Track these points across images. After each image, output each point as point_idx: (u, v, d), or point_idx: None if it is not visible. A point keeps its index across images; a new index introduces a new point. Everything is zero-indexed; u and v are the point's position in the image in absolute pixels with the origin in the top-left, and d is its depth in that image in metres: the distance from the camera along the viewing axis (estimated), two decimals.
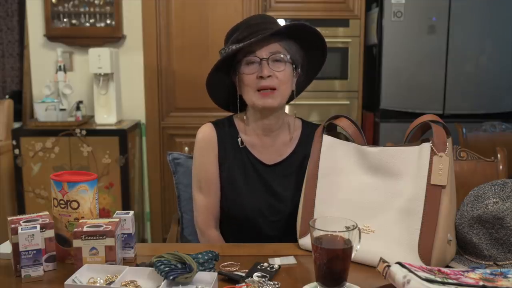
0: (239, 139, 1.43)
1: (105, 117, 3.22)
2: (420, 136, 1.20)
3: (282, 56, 1.33)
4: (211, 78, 1.40)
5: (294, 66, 1.37)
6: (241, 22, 1.39)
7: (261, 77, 1.32)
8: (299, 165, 1.41)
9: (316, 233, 0.96)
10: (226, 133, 1.44)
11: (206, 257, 1.05)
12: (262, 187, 1.41)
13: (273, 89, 1.33)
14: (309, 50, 1.41)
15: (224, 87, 1.44)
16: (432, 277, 0.89)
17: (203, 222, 1.46)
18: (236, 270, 1.08)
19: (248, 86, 1.35)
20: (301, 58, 1.41)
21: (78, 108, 3.21)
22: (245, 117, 1.44)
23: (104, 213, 2.98)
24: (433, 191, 1.08)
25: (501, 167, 1.60)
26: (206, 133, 1.45)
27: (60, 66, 3.23)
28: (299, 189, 1.29)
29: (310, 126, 1.48)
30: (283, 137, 1.44)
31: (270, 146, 1.43)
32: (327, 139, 1.25)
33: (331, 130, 1.28)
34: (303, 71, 1.44)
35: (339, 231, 0.96)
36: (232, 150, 1.43)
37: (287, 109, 1.50)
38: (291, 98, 1.43)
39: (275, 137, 1.44)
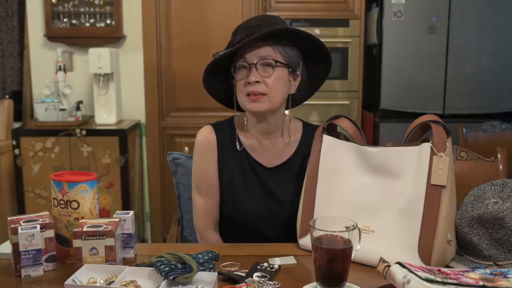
0: (237, 142, 1.43)
1: (105, 117, 3.22)
2: (420, 136, 1.19)
3: (271, 60, 1.30)
4: (208, 79, 1.39)
5: (290, 69, 1.34)
6: (241, 24, 1.38)
7: (249, 83, 1.31)
8: (299, 167, 1.40)
9: (316, 233, 0.97)
10: (226, 135, 1.44)
11: (206, 257, 1.05)
12: (262, 190, 1.41)
13: (263, 94, 1.31)
14: (310, 55, 1.39)
15: (225, 87, 1.43)
16: (432, 277, 0.89)
17: (203, 225, 1.45)
18: (236, 270, 1.08)
19: (239, 91, 1.35)
20: (301, 62, 1.38)
21: (78, 108, 3.21)
22: (245, 119, 1.43)
23: (104, 213, 2.98)
24: (433, 191, 1.08)
25: (501, 167, 1.60)
26: (206, 136, 1.44)
27: (60, 66, 3.23)
28: (299, 192, 1.28)
29: (310, 128, 1.46)
30: (283, 140, 1.43)
31: (270, 149, 1.43)
32: (327, 139, 1.25)
33: (331, 130, 1.28)
34: (306, 79, 1.42)
35: (339, 231, 0.96)
36: (232, 153, 1.43)
37: (289, 111, 1.49)
38: (294, 103, 1.42)
39: (274, 140, 1.43)
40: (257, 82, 1.30)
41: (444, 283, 0.87)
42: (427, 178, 1.09)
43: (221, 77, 1.41)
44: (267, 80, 1.31)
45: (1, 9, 3.63)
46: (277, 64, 1.31)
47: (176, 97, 3.42)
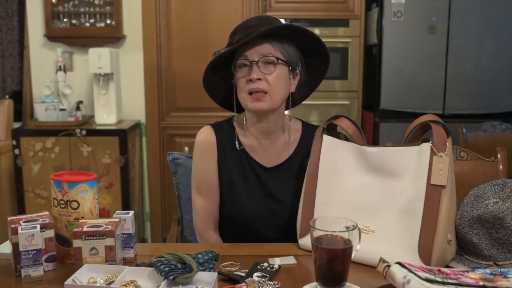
0: (236, 141, 1.43)
1: (105, 117, 3.22)
2: (420, 136, 1.19)
3: (273, 58, 1.30)
4: (208, 79, 1.40)
5: (290, 67, 1.35)
6: (240, 24, 1.38)
7: (251, 80, 1.31)
8: (299, 167, 1.40)
9: (316, 233, 0.97)
10: (226, 135, 1.44)
11: (206, 257, 1.05)
12: (262, 190, 1.41)
13: (265, 92, 1.31)
14: (309, 55, 1.39)
15: (224, 87, 1.43)
16: (432, 277, 0.89)
17: (202, 225, 1.45)
18: (236, 270, 1.08)
19: (241, 89, 1.35)
20: (301, 60, 1.38)
21: (78, 108, 3.21)
22: (244, 119, 1.43)
23: (104, 213, 2.98)
24: (433, 191, 1.08)
25: (501, 167, 1.60)
26: (206, 137, 1.44)
27: (60, 66, 3.23)
28: (299, 192, 1.28)
29: (310, 128, 1.46)
30: (282, 140, 1.43)
31: (270, 149, 1.43)
32: (327, 139, 1.25)
33: (331, 130, 1.28)
34: (305, 78, 1.42)
35: (339, 231, 0.96)
36: (232, 153, 1.43)
37: (289, 111, 1.49)
38: (293, 103, 1.42)
39: (274, 139, 1.43)
40: (259, 79, 1.30)
41: (444, 283, 0.87)
42: (427, 178, 1.09)
43: (221, 78, 1.41)
44: (269, 78, 1.31)
45: (1, 9, 3.63)
46: (279, 61, 1.31)
47: (176, 97, 3.42)
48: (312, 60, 1.40)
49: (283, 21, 1.40)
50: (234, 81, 1.38)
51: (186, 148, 3.33)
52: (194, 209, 1.47)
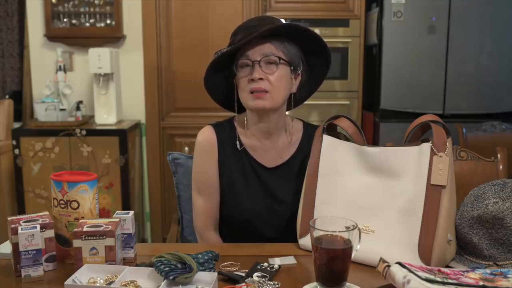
0: (237, 141, 1.43)
1: (105, 117, 3.23)
2: (420, 136, 1.19)
3: (275, 58, 1.30)
4: (209, 79, 1.40)
5: (292, 67, 1.35)
6: (241, 25, 1.38)
7: (252, 80, 1.31)
8: (299, 167, 1.40)
9: (316, 233, 0.97)
10: (226, 136, 1.44)
11: (206, 257, 1.05)
12: (263, 191, 1.41)
13: (266, 91, 1.31)
14: (311, 55, 1.39)
15: (225, 87, 1.43)
16: (432, 277, 0.89)
17: (203, 225, 1.45)
18: (236, 270, 1.08)
19: (242, 89, 1.35)
20: (302, 60, 1.38)
21: (78, 108, 3.21)
22: (245, 119, 1.43)
23: (104, 213, 2.98)
24: (433, 191, 1.08)
25: (501, 167, 1.60)
26: (206, 137, 1.44)
27: (60, 66, 3.23)
28: (300, 192, 1.28)
29: (311, 128, 1.46)
30: (284, 140, 1.43)
31: (271, 149, 1.43)
32: (327, 139, 1.25)
33: (331, 130, 1.28)
34: (306, 78, 1.42)
35: (339, 231, 0.96)
36: (232, 154, 1.42)
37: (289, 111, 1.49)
38: (295, 103, 1.42)
39: (275, 139, 1.43)
40: (261, 79, 1.30)
41: (444, 283, 0.87)
42: (427, 178, 1.09)
43: (222, 78, 1.41)
44: (270, 78, 1.31)
45: (1, 9, 3.63)
46: (281, 61, 1.31)
47: (176, 97, 3.42)
48: (313, 60, 1.40)
49: (283, 21, 1.40)
50: (235, 81, 1.38)
51: (186, 148, 3.33)
52: (195, 209, 1.47)
